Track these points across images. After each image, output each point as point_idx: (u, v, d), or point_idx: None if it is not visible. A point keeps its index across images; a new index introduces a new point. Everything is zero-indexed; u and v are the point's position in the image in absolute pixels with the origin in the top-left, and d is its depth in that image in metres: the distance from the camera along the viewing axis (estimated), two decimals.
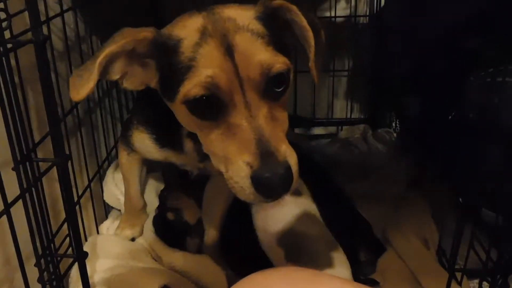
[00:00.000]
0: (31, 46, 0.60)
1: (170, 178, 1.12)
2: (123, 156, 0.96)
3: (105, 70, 0.61)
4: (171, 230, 1.00)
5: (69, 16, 0.95)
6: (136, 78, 0.65)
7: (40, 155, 0.79)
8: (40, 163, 0.76)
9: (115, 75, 0.63)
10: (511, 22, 1.00)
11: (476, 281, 0.94)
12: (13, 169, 0.68)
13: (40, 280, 0.78)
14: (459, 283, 0.91)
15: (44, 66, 0.60)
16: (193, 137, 0.76)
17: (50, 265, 0.78)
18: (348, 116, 1.61)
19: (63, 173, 0.68)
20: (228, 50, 0.59)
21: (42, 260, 0.77)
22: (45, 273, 0.79)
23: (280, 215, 0.91)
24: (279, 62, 0.60)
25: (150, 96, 0.81)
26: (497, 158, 0.88)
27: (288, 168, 0.57)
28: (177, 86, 0.60)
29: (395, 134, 1.46)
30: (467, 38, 1.14)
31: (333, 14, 1.49)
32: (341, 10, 1.51)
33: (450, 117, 1.10)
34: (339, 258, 0.85)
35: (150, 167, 1.13)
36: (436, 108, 1.21)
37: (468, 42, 1.14)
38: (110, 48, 0.60)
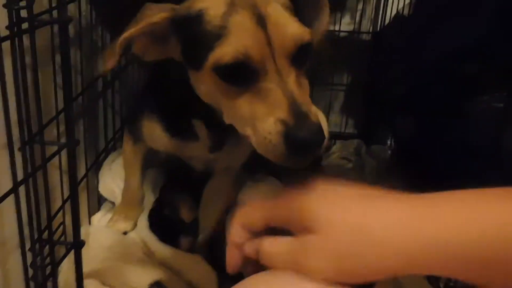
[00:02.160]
0: (40, 30, 0.60)
1: (172, 173, 1.11)
2: (128, 144, 0.95)
3: (128, 47, 0.62)
4: (166, 226, 1.00)
5: (82, 2, 0.94)
6: (158, 51, 0.66)
7: None
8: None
9: (137, 51, 0.65)
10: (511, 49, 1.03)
11: None
12: (19, 149, 0.67)
13: (32, 265, 0.76)
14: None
15: (65, 46, 0.60)
16: (207, 122, 0.76)
17: (43, 252, 0.77)
18: (343, 130, 1.63)
19: (71, 158, 0.67)
20: (260, 21, 0.59)
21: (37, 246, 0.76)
22: (38, 259, 0.77)
23: None
24: (307, 33, 0.61)
25: (161, 81, 0.82)
26: (496, 182, 0.90)
27: (321, 128, 0.55)
28: (205, 54, 0.59)
29: (389, 152, 1.47)
30: (467, 63, 1.17)
31: (337, 29, 1.51)
32: (345, 25, 1.53)
33: (447, 140, 1.12)
34: None
35: (149, 162, 1.12)
36: (432, 130, 1.23)
37: (468, 67, 1.16)
38: (128, 32, 0.61)
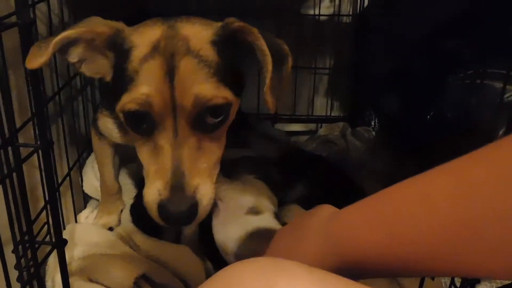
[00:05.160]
0: (14, 30, 0.60)
1: None
2: (95, 139, 0.97)
3: (64, 50, 0.63)
4: (148, 219, 1.00)
5: (53, 1, 0.94)
6: (94, 66, 0.66)
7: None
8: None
9: (72, 58, 0.64)
10: (490, 26, 1.03)
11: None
12: None
13: (17, 267, 0.77)
14: (432, 278, 0.94)
15: (28, 48, 0.60)
16: None
17: (28, 252, 0.78)
18: (328, 113, 1.63)
19: (46, 159, 0.67)
20: (170, 73, 0.58)
21: (20, 247, 0.77)
22: (22, 260, 0.78)
23: (234, 233, 0.91)
24: (218, 96, 0.59)
25: None
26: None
27: (194, 204, 0.59)
28: (120, 93, 0.60)
29: (374, 133, 1.48)
30: (446, 40, 1.17)
31: (317, 13, 1.51)
32: (325, 8, 1.53)
33: (428, 116, 1.13)
34: None
35: (127, 157, 1.12)
36: (415, 107, 1.24)
37: (448, 43, 1.17)
38: (68, 32, 0.60)
